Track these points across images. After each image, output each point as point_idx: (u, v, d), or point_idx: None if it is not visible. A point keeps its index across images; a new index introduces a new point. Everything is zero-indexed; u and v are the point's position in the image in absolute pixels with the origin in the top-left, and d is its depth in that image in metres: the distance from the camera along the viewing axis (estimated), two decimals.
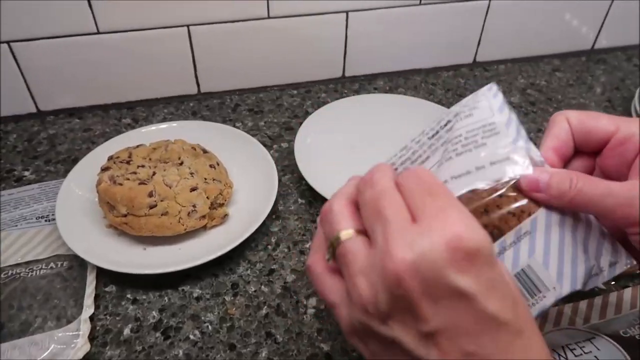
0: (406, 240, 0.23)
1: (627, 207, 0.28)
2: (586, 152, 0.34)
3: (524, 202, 0.30)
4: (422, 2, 0.70)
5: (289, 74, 0.73)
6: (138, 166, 0.52)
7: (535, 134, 0.67)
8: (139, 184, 0.50)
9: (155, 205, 0.49)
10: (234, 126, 0.67)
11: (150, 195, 0.49)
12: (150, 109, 0.70)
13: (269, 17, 0.67)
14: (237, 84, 0.73)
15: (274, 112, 0.70)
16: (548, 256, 0.30)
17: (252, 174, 0.57)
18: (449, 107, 0.70)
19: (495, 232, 0.30)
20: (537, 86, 0.76)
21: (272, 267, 0.50)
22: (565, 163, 0.34)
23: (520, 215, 0.30)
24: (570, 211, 0.30)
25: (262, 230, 0.53)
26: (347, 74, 0.76)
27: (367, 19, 0.70)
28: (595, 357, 0.40)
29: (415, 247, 0.23)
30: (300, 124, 0.66)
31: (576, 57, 0.83)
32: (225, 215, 0.52)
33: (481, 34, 0.76)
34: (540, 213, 0.30)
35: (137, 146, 0.56)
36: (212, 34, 0.66)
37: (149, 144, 0.56)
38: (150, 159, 0.54)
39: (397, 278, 0.23)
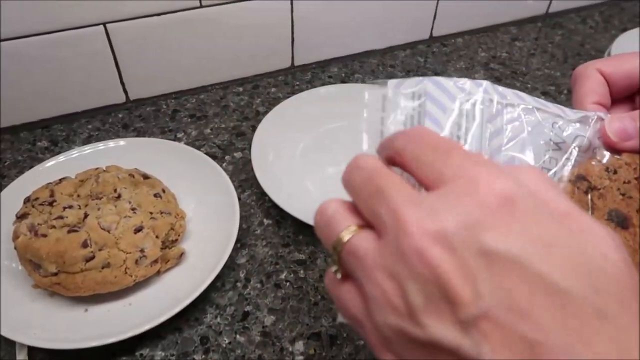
0: (422, 210, 0.19)
1: None
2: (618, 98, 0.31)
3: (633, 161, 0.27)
4: None
5: (232, 69, 0.64)
6: (64, 207, 0.42)
7: None
8: (69, 231, 0.40)
9: (93, 257, 0.39)
10: (175, 137, 0.58)
11: (85, 245, 0.39)
12: (70, 127, 0.59)
13: (201, 7, 0.57)
14: (173, 86, 0.63)
15: (219, 115, 0.61)
16: None
17: (206, 196, 0.48)
18: None
19: None
20: (499, 59, 0.71)
21: (246, 310, 0.42)
22: None
23: None
24: None
25: (227, 264, 0.45)
26: (297, 63, 0.67)
27: (315, 2, 0.62)
28: None
29: (437, 215, 0.18)
30: (253, 127, 0.57)
31: (532, 23, 0.79)
32: (182, 254, 0.44)
33: (436, 7, 0.70)
34: None
35: (60, 180, 0.46)
36: (135, 31, 0.56)
37: (75, 175, 0.46)
38: (78, 196, 0.44)
39: (418, 253, 0.18)
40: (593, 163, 0.27)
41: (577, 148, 0.27)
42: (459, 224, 0.18)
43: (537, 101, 0.28)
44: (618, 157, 0.27)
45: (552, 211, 0.18)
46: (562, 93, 0.65)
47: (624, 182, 0.28)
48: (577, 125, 0.27)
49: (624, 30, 0.76)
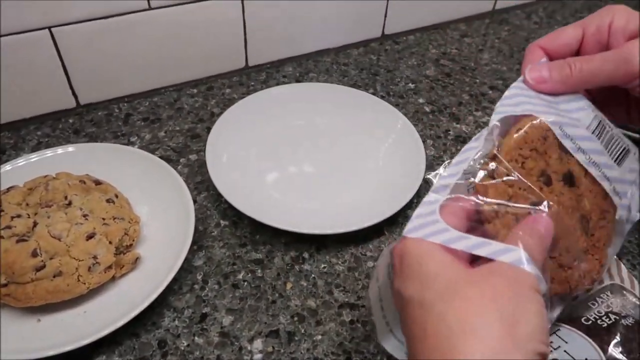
0: None
1: (623, 64, 0.31)
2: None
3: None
4: None
5: (185, 71, 0.64)
6: (12, 217, 0.41)
7: (457, 107, 0.64)
8: (17, 241, 0.39)
9: (44, 267, 0.39)
10: (129, 142, 0.57)
11: (35, 254, 0.39)
12: (18, 134, 0.57)
13: (150, 9, 0.56)
14: (125, 89, 0.62)
15: (174, 118, 0.60)
16: None
17: (161, 200, 0.48)
18: (364, 89, 0.65)
19: None
20: (449, 55, 0.73)
21: (204, 311, 0.42)
22: None
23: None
24: None
25: (184, 267, 0.45)
26: (250, 64, 0.67)
27: (265, 1, 0.62)
28: (565, 351, 0.38)
29: None
30: (208, 128, 0.57)
31: (480, 19, 0.81)
32: (137, 259, 0.44)
33: (387, 5, 0.71)
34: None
35: (8, 189, 0.45)
36: (83, 35, 0.55)
37: (23, 183, 0.45)
38: (27, 204, 0.43)
39: None
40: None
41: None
42: None
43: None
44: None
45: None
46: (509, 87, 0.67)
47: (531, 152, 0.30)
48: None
49: (566, 24, 0.79)
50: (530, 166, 0.30)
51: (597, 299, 0.41)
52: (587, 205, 0.31)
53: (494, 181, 0.29)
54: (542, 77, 0.34)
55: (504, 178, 0.29)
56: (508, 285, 0.25)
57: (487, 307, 0.24)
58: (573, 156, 0.31)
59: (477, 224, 0.29)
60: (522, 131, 0.30)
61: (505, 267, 0.26)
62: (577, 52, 0.36)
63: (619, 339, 0.38)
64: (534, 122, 0.31)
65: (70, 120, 0.59)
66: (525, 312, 0.24)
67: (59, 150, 0.51)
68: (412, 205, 0.49)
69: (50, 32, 0.53)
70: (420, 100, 0.65)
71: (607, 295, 0.41)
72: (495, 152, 0.30)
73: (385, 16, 0.73)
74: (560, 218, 0.30)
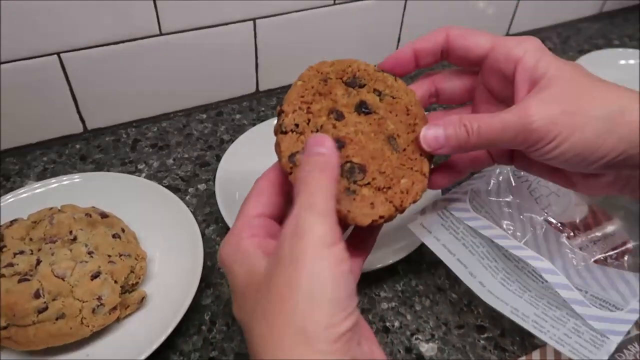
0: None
1: (522, 133, 0.30)
2: (467, 72, 0.37)
3: None
4: (337, 1, 0.63)
5: (195, 96, 0.63)
6: (15, 253, 0.40)
7: None
8: (19, 280, 0.38)
9: (46, 308, 0.37)
10: (136, 169, 0.56)
11: (37, 295, 0.37)
12: (24, 159, 0.56)
13: (161, 34, 0.55)
14: (133, 114, 0.61)
15: (182, 144, 0.59)
16: None
17: (168, 234, 0.47)
18: None
19: None
20: None
21: (211, 355, 0.41)
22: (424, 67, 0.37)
23: None
24: None
25: (191, 306, 0.43)
26: (261, 88, 0.66)
27: (277, 25, 0.61)
28: None
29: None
30: (217, 156, 0.56)
31: None
32: (143, 299, 0.42)
33: (400, 29, 0.70)
34: None
35: (11, 222, 0.43)
36: (92, 60, 0.54)
37: (27, 216, 0.44)
38: (31, 239, 0.42)
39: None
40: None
41: None
42: None
43: None
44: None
45: None
46: None
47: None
48: None
49: (581, 51, 0.78)
50: (317, 108, 0.32)
51: (625, 350, 0.39)
52: (391, 125, 0.33)
53: (284, 135, 0.31)
54: (438, 142, 0.32)
55: (291, 128, 0.31)
56: (289, 280, 0.24)
57: (277, 322, 0.23)
58: (362, 88, 0.34)
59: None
60: (299, 81, 0.33)
61: (286, 247, 0.24)
62: (482, 64, 0.34)
63: None
64: (309, 71, 0.34)
65: (77, 146, 0.58)
66: (320, 291, 0.23)
67: (65, 180, 0.50)
68: None
69: (59, 57, 0.52)
70: None
71: (634, 346, 0.40)
72: (279, 108, 0.32)
73: (399, 40, 0.71)
74: (362, 146, 0.31)
